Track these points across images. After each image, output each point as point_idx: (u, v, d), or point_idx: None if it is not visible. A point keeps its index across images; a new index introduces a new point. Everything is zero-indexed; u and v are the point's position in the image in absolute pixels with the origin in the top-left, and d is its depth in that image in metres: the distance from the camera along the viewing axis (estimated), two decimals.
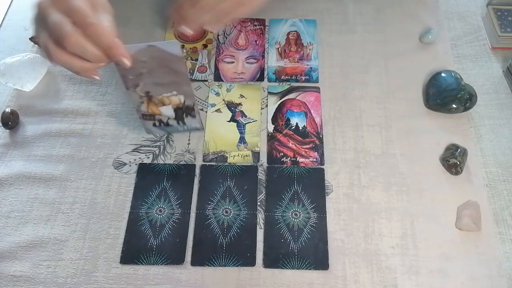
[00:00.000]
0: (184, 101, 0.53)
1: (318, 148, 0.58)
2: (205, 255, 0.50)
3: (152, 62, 0.47)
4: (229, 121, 0.60)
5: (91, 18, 0.39)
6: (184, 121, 0.55)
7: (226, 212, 0.53)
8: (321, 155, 0.57)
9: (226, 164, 0.57)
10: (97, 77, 0.44)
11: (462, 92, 0.58)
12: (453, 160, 0.54)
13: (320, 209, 0.53)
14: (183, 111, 0.54)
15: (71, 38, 0.39)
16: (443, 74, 0.61)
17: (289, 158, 0.57)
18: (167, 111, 0.53)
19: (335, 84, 0.64)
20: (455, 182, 0.55)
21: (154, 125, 0.56)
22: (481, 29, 0.69)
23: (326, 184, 0.55)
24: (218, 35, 0.69)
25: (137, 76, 0.48)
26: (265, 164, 0.57)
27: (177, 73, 0.49)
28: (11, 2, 0.76)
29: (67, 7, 0.40)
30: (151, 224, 0.52)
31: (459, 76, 0.60)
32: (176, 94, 0.51)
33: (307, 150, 0.58)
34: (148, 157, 0.57)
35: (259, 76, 0.65)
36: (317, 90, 0.63)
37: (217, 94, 0.63)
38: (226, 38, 0.69)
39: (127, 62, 0.42)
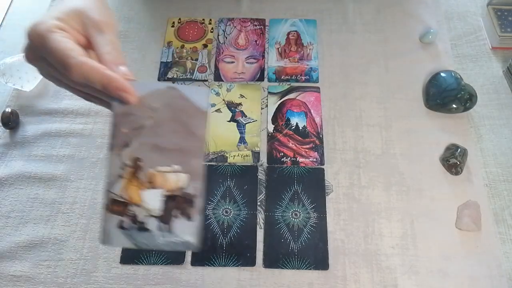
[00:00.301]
0: (185, 186, 0.35)
1: (318, 148, 0.58)
2: (205, 255, 0.50)
3: (164, 112, 0.36)
4: (229, 121, 0.60)
5: (72, 58, 0.32)
6: (171, 225, 0.34)
7: (226, 212, 0.53)
8: (321, 155, 0.57)
9: (226, 164, 0.57)
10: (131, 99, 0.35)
11: (462, 92, 0.58)
12: (453, 160, 0.54)
13: (320, 209, 0.53)
14: (177, 205, 0.35)
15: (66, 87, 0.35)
16: (443, 74, 0.61)
17: (289, 158, 0.57)
18: (152, 200, 0.35)
19: (335, 84, 0.64)
20: (455, 182, 0.55)
21: (121, 226, 0.34)
22: (481, 29, 0.69)
23: (326, 184, 0.55)
24: (218, 35, 0.69)
25: (134, 130, 0.36)
26: (265, 164, 0.57)
27: (192, 136, 0.36)
28: (11, 2, 0.76)
29: (44, 53, 0.34)
30: None
31: (459, 76, 0.60)
32: (176, 171, 0.35)
33: (307, 150, 0.58)
34: None
35: (259, 76, 0.65)
36: (317, 90, 0.63)
37: (217, 94, 0.63)
38: (226, 38, 0.69)
39: (130, 98, 0.34)
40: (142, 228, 0.34)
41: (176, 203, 0.35)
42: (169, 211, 0.35)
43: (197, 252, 0.50)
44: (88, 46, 0.36)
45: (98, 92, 0.35)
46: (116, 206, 0.35)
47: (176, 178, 0.35)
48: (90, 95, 0.37)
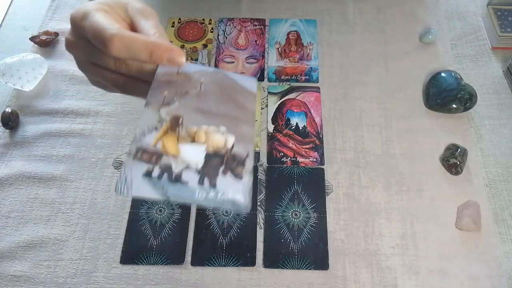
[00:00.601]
0: (233, 146, 0.30)
1: (318, 148, 0.58)
2: (205, 255, 0.50)
3: (211, 86, 0.33)
4: None
5: (112, 30, 0.31)
6: (216, 181, 0.29)
7: (226, 212, 0.53)
8: (321, 155, 0.57)
9: None
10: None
11: (462, 92, 0.58)
12: (453, 160, 0.54)
13: (320, 209, 0.53)
14: (224, 162, 0.29)
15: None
16: (443, 74, 0.61)
17: (289, 158, 0.57)
18: (193, 154, 0.29)
19: (335, 84, 0.64)
20: (455, 182, 0.55)
21: (149, 174, 0.28)
22: (481, 29, 0.69)
23: (326, 184, 0.55)
24: (218, 35, 0.69)
25: (178, 93, 0.32)
26: (265, 164, 0.57)
27: (241, 108, 0.32)
28: (11, 2, 0.76)
29: (84, 31, 0.33)
30: (151, 224, 0.52)
31: (459, 76, 0.60)
32: (223, 132, 0.31)
33: (307, 150, 0.58)
34: None
35: (259, 76, 0.65)
36: (317, 90, 0.63)
37: None
38: (226, 38, 0.69)
39: (180, 58, 0.31)
40: (178, 179, 0.28)
41: (223, 161, 0.29)
42: (214, 167, 0.29)
43: (197, 252, 0.50)
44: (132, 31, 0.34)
45: (138, 69, 0.33)
46: (145, 154, 0.28)
47: (223, 138, 0.30)
48: (124, 78, 0.35)
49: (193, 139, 0.30)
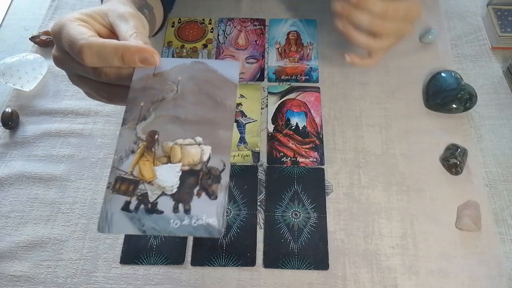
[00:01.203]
0: (209, 158, 0.31)
1: (318, 148, 0.58)
2: (205, 255, 0.50)
3: (188, 84, 0.33)
4: None
5: (81, 40, 0.31)
6: (190, 205, 0.29)
7: (226, 212, 0.53)
8: (321, 155, 0.57)
9: None
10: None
11: (462, 92, 0.58)
12: (453, 160, 0.54)
13: (320, 209, 0.53)
14: (199, 181, 0.30)
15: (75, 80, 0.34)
16: (443, 74, 0.61)
17: (289, 158, 0.57)
18: (168, 176, 0.30)
19: (335, 84, 0.64)
20: (455, 182, 0.55)
21: (126, 207, 0.29)
22: (481, 29, 0.69)
23: (326, 184, 0.55)
24: (218, 35, 0.69)
25: (154, 102, 0.32)
26: (265, 164, 0.57)
27: (220, 106, 0.32)
28: (11, 2, 0.76)
29: (61, 43, 0.33)
30: None
31: (459, 76, 0.60)
32: (199, 144, 0.31)
33: (307, 150, 0.58)
34: None
35: (259, 76, 0.65)
36: (317, 90, 0.63)
37: None
38: (226, 38, 0.69)
39: (152, 59, 0.32)
40: (153, 209, 0.29)
41: (198, 179, 0.30)
42: (188, 188, 0.29)
43: (197, 252, 0.50)
44: (112, 37, 0.34)
45: (117, 76, 0.33)
46: (123, 185, 0.30)
47: (199, 151, 0.31)
48: (108, 87, 0.35)
49: (168, 157, 0.30)
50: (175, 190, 0.30)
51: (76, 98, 0.63)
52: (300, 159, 0.57)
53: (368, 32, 0.49)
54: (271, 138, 0.59)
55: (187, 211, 0.29)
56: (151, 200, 0.29)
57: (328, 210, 0.53)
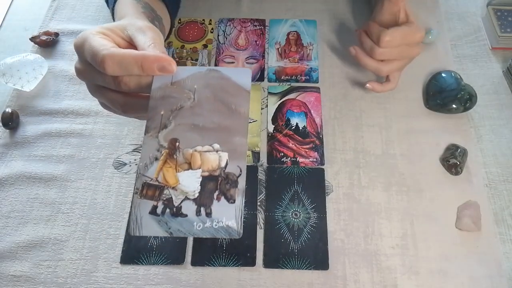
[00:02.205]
0: (227, 165, 0.33)
1: (318, 148, 0.58)
2: (205, 255, 0.50)
3: (204, 92, 0.35)
4: None
5: (103, 50, 0.33)
6: (211, 209, 0.32)
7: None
8: (321, 155, 0.57)
9: None
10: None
11: (462, 92, 0.58)
12: (453, 160, 0.54)
13: (320, 209, 0.53)
14: (218, 186, 0.32)
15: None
16: (443, 74, 0.61)
17: (289, 158, 0.57)
18: (190, 181, 0.33)
19: (335, 84, 0.64)
20: (455, 182, 0.55)
21: (154, 211, 0.32)
22: (481, 29, 0.69)
23: (326, 184, 0.55)
24: (218, 35, 0.69)
25: (173, 111, 0.34)
26: (265, 164, 0.57)
27: (234, 114, 0.34)
28: (11, 2, 0.76)
29: (84, 55, 0.35)
30: None
31: (459, 76, 0.60)
32: (216, 151, 0.33)
33: (307, 150, 0.58)
34: None
35: (259, 76, 0.65)
36: (317, 90, 0.63)
37: None
38: (226, 38, 0.69)
39: (169, 67, 0.34)
40: (178, 213, 0.32)
41: (217, 184, 0.32)
42: (208, 193, 0.32)
43: (197, 252, 0.50)
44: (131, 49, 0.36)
45: (137, 84, 0.35)
46: (150, 190, 0.32)
47: (217, 157, 0.33)
48: (127, 99, 0.37)
49: (189, 164, 0.33)
50: (197, 195, 0.32)
51: (76, 98, 0.63)
52: (300, 159, 0.57)
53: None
54: (271, 138, 0.59)
55: (208, 214, 0.32)
56: (175, 204, 0.32)
57: (328, 210, 0.53)
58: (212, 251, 0.50)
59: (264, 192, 0.54)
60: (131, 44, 0.37)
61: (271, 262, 0.50)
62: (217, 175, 0.33)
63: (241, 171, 0.33)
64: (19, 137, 0.59)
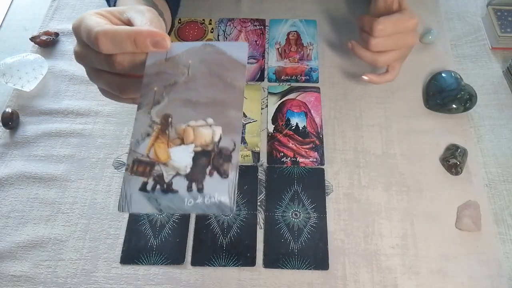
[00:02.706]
0: (220, 139, 0.32)
1: (318, 148, 0.58)
2: (205, 255, 0.50)
3: (199, 67, 0.34)
4: None
5: (97, 27, 0.33)
6: (203, 184, 0.31)
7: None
8: (321, 155, 0.57)
9: None
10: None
11: (462, 92, 0.58)
12: (453, 160, 0.54)
13: (320, 209, 0.53)
14: (211, 161, 0.31)
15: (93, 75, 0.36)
16: (443, 74, 0.61)
17: (289, 158, 0.57)
18: (181, 157, 0.32)
19: (335, 84, 0.64)
20: (455, 182, 0.55)
21: (144, 188, 0.31)
22: (481, 29, 0.69)
23: (326, 184, 0.55)
24: (219, 35, 0.69)
25: (166, 87, 0.34)
26: (265, 164, 0.57)
27: (230, 88, 0.33)
28: (11, 2, 0.76)
29: (80, 35, 0.35)
30: (151, 224, 0.52)
31: (459, 76, 0.60)
32: (210, 125, 0.32)
33: (307, 150, 0.58)
34: None
35: (259, 76, 0.65)
36: (317, 90, 0.63)
37: None
38: (226, 38, 0.69)
39: (164, 42, 0.33)
40: (169, 189, 0.31)
41: (210, 159, 0.31)
42: (201, 168, 0.31)
43: (197, 252, 0.50)
44: None
45: (131, 63, 0.34)
46: (140, 166, 0.32)
47: (210, 132, 0.32)
48: (123, 80, 0.36)
49: (182, 139, 0.32)
50: (188, 170, 0.31)
51: (76, 98, 0.63)
52: (300, 159, 0.57)
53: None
54: (271, 138, 0.59)
55: (200, 190, 0.30)
56: (166, 180, 0.31)
57: (328, 210, 0.53)
58: (212, 251, 0.50)
59: (264, 192, 0.54)
60: (129, 23, 0.37)
61: (271, 262, 0.50)
62: (210, 149, 0.31)
63: (235, 145, 0.31)
64: (19, 137, 0.59)
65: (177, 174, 0.31)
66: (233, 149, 0.31)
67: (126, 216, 0.53)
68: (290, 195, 0.54)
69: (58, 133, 0.60)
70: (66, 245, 0.51)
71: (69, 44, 0.68)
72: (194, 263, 0.50)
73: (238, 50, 0.34)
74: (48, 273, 0.49)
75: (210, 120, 0.32)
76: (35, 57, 0.65)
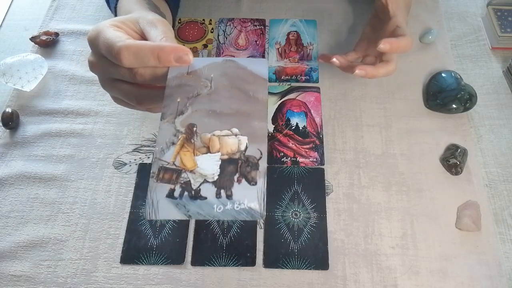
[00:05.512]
0: (246, 148, 0.32)
1: (318, 148, 0.58)
2: (205, 255, 0.50)
3: (221, 80, 0.35)
4: None
5: (119, 42, 0.33)
6: (232, 191, 0.31)
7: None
8: (321, 155, 0.57)
9: None
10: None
11: (462, 92, 0.58)
12: (453, 160, 0.54)
13: (320, 209, 0.53)
14: (238, 169, 0.31)
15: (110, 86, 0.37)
16: (443, 74, 0.61)
17: (289, 158, 0.57)
18: (208, 164, 0.32)
19: (335, 84, 0.64)
20: (455, 182, 0.55)
21: (171, 195, 0.31)
22: (481, 29, 0.69)
23: (326, 184, 0.55)
24: (219, 35, 0.69)
25: (190, 98, 0.34)
26: (265, 164, 0.57)
27: (253, 100, 0.34)
28: (11, 2, 0.76)
29: (98, 47, 0.35)
30: (151, 224, 0.52)
31: (459, 76, 0.60)
32: (235, 135, 0.32)
33: (307, 150, 0.58)
34: (149, 157, 0.57)
35: None
36: (317, 90, 0.63)
37: None
38: (227, 38, 0.69)
39: (187, 57, 0.33)
40: (197, 195, 0.31)
41: (237, 167, 0.32)
42: (228, 175, 0.31)
43: (197, 252, 0.50)
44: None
45: (152, 75, 0.35)
46: (167, 174, 0.32)
47: (236, 141, 0.32)
48: (144, 89, 0.37)
49: (207, 148, 0.32)
50: (216, 177, 0.31)
51: (76, 98, 0.63)
52: (300, 159, 0.57)
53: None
54: (271, 138, 0.59)
55: (229, 196, 0.31)
56: (194, 187, 0.31)
57: (328, 210, 0.53)
58: (212, 251, 0.50)
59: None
60: (143, 37, 0.38)
61: (271, 262, 0.50)
62: (237, 158, 0.32)
63: (261, 153, 0.32)
64: (19, 137, 0.59)
65: (205, 181, 0.31)
66: (260, 158, 0.32)
67: (126, 216, 0.53)
68: (290, 195, 0.54)
69: (58, 133, 0.60)
70: (66, 245, 0.51)
71: (69, 44, 0.69)
72: (194, 263, 0.50)
73: (259, 65, 0.35)
74: (48, 273, 0.49)
75: (235, 130, 0.33)
76: (35, 57, 0.65)
